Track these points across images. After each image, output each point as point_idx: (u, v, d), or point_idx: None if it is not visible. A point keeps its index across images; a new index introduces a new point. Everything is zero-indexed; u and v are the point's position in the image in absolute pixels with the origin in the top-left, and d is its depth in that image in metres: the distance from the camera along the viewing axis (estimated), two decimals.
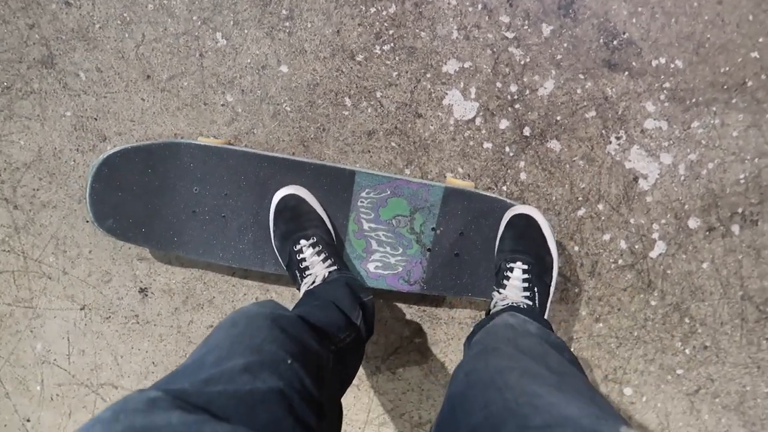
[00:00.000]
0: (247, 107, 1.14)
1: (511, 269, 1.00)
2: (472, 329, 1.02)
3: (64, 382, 1.24)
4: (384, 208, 1.11)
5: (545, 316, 1.02)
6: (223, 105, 1.14)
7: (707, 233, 1.19)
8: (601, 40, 1.13)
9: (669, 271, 1.22)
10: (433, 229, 1.12)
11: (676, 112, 1.15)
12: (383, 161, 1.17)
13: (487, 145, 1.16)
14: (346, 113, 1.15)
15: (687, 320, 1.24)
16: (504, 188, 1.18)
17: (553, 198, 1.19)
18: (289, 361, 0.60)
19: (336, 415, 0.74)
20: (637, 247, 1.21)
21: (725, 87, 1.13)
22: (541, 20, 1.12)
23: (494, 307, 1.02)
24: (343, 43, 1.12)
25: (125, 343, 1.23)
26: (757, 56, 1.11)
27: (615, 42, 1.13)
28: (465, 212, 1.11)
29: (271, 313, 0.69)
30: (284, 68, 1.13)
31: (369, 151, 1.16)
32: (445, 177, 1.17)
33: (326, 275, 0.99)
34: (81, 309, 1.22)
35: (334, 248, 1.07)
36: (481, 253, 1.12)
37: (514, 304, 0.98)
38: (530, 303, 0.99)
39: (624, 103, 1.15)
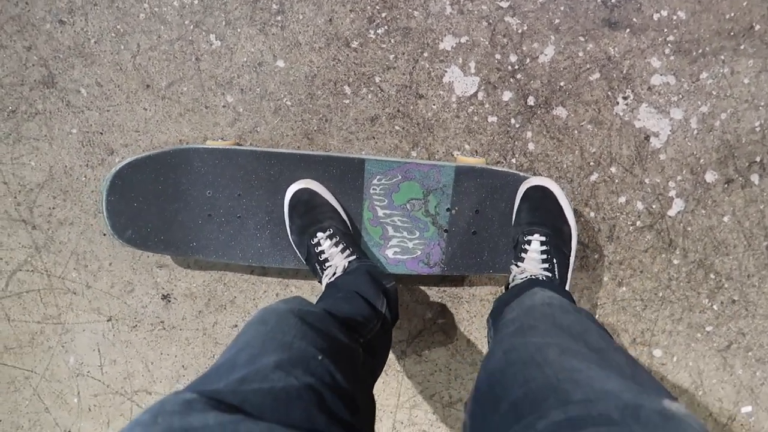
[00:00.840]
0: (248, 106, 1.14)
1: (529, 242, 1.00)
2: (493, 305, 1.02)
3: (100, 392, 1.27)
4: (397, 193, 1.10)
5: (567, 287, 1.01)
6: (224, 106, 1.14)
7: (726, 186, 1.17)
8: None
9: (689, 228, 1.20)
10: (448, 209, 1.11)
11: (683, 64, 1.12)
12: (389, 146, 1.16)
13: (492, 119, 1.15)
14: (347, 101, 1.14)
15: (712, 276, 1.22)
16: (513, 161, 1.17)
17: (564, 166, 1.17)
18: (319, 357, 0.61)
19: (369, 406, 0.75)
20: (654, 206, 1.19)
21: (732, 33, 1.10)
22: None
23: (513, 280, 1.01)
24: (337, 31, 1.11)
25: (154, 349, 1.25)
26: None
27: None
28: (478, 189, 1.10)
29: (299, 310, 0.69)
30: (281, 63, 1.12)
31: (374, 137, 1.16)
32: (454, 156, 1.16)
33: (346, 265, 1.00)
34: (108, 320, 1.24)
35: (351, 237, 1.07)
36: (498, 228, 1.12)
37: (533, 277, 0.98)
38: (549, 275, 0.98)
39: (628, 61, 1.12)
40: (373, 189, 1.10)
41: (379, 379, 1.25)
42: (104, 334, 1.25)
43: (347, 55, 1.12)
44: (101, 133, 1.15)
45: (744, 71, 1.11)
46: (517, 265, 1.01)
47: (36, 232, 1.19)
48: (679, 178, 1.17)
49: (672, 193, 1.18)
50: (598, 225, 1.20)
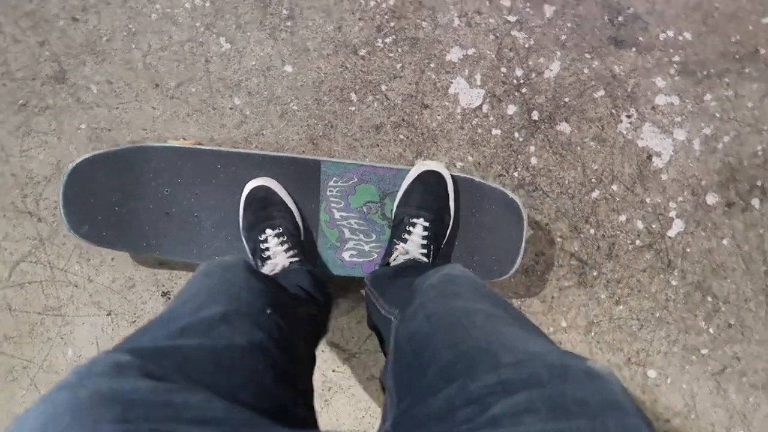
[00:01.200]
0: (255, 109, 1.15)
1: (414, 224, 1.02)
2: (372, 276, 1.02)
3: None
4: (353, 195, 1.11)
5: None
6: (231, 108, 1.15)
7: (726, 208, 1.17)
8: (606, 17, 1.11)
9: (688, 250, 1.20)
10: None
11: (688, 85, 1.13)
12: (393, 154, 1.17)
13: (495, 131, 1.16)
14: (353, 108, 1.15)
15: (710, 299, 1.21)
16: (515, 174, 1.17)
17: (566, 181, 1.17)
18: (268, 311, 0.60)
19: (310, 360, 0.75)
20: (654, 226, 1.19)
21: (737, 57, 1.11)
22: (543, 1, 1.10)
23: (395, 260, 1.02)
24: (345, 39, 1.13)
25: None
26: None
27: (620, 18, 1.11)
28: None
29: (246, 265, 0.68)
30: (289, 68, 1.14)
31: (378, 145, 1.17)
32: (416, 161, 1.17)
33: (287, 265, 1.00)
34: (108, 314, 1.25)
35: (298, 240, 1.07)
36: (454, 232, 1.12)
37: (414, 259, 1.00)
38: (426, 260, 1.00)
39: (633, 80, 1.13)
40: (330, 191, 1.11)
41: (373, 385, 1.25)
42: (103, 328, 1.26)
43: (355, 62, 1.14)
44: (109, 130, 1.16)
45: (748, 95, 1.12)
46: (400, 245, 1.02)
47: (41, 225, 1.21)
48: (680, 198, 1.17)
49: (672, 214, 1.18)
50: (598, 242, 1.20)
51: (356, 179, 1.10)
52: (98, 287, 1.23)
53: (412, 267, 0.98)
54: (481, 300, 0.63)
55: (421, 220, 1.01)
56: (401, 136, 1.17)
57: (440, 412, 0.47)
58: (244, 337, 0.53)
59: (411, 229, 1.01)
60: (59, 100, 1.15)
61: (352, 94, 1.15)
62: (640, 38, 1.11)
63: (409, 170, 1.08)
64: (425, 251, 1.01)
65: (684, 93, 1.13)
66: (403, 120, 1.16)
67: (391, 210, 1.11)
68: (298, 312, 0.74)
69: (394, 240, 1.04)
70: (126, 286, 1.24)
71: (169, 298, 1.24)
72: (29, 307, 1.24)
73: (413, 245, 1.00)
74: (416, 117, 1.16)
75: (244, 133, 1.17)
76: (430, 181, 1.04)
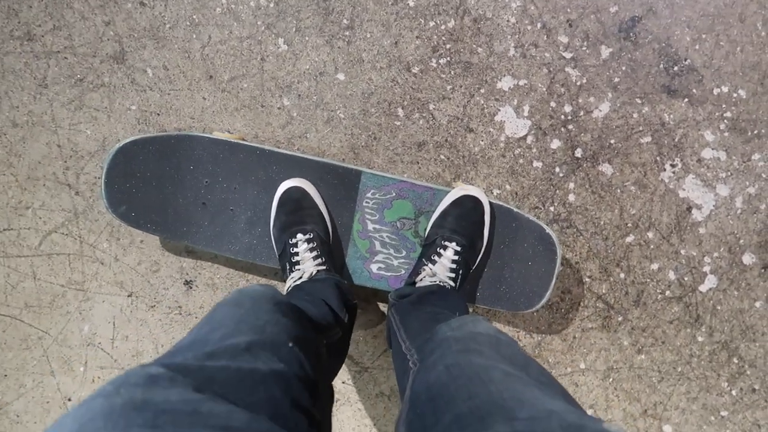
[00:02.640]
0: (302, 112, 1.17)
1: (445, 247, 1.01)
2: (396, 294, 1.03)
3: (106, 365, 1.28)
4: (389, 209, 1.11)
5: None
6: (279, 108, 1.17)
7: (762, 270, 1.15)
8: (662, 65, 1.11)
9: (719, 307, 1.17)
10: None
11: (737, 142, 1.12)
12: (431, 173, 1.17)
13: (537, 164, 1.16)
14: (398, 123, 1.16)
15: (735, 360, 1.19)
16: (551, 209, 1.17)
17: (602, 222, 1.17)
18: (290, 345, 0.62)
19: (328, 397, 0.76)
20: (686, 279, 1.17)
21: None
22: (601, 42, 1.11)
23: (421, 280, 1.02)
24: (400, 55, 1.14)
25: (167, 332, 1.26)
26: None
27: (676, 68, 1.11)
28: None
29: (272, 297, 0.70)
30: (341, 76, 1.15)
31: (418, 162, 1.17)
32: (456, 183, 1.17)
33: (314, 273, 1.00)
34: (128, 296, 1.26)
35: (328, 248, 1.08)
36: (484, 259, 1.11)
37: (441, 283, 0.99)
38: (453, 284, 1.00)
39: (682, 130, 1.13)
40: (366, 202, 1.11)
41: (381, 402, 1.24)
42: (122, 309, 1.26)
43: (406, 78, 1.15)
44: (158, 114, 1.18)
45: None
46: (429, 267, 1.02)
47: (78, 198, 1.22)
48: (715, 254, 1.16)
49: (706, 269, 1.16)
50: (627, 288, 1.19)
51: (394, 194, 1.10)
52: (123, 267, 1.24)
53: (437, 292, 0.97)
54: (502, 360, 0.63)
55: (454, 244, 1.01)
56: (442, 156, 1.17)
57: None
58: (266, 365, 0.56)
59: (442, 251, 1.01)
60: (115, 79, 1.17)
61: (399, 110, 1.16)
62: (694, 90, 1.11)
63: (448, 191, 1.08)
64: (453, 275, 1.00)
65: (732, 149, 1.12)
66: (446, 141, 1.16)
67: (425, 228, 1.11)
68: (318, 346, 0.75)
69: (423, 260, 1.04)
70: (150, 270, 1.24)
71: (191, 288, 1.24)
72: (54, 278, 1.26)
73: (442, 268, 1.00)
74: (459, 139, 1.16)
75: (288, 134, 1.18)
76: (468, 206, 1.04)
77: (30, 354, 1.29)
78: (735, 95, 1.11)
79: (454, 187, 1.14)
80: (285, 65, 1.16)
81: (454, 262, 1.00)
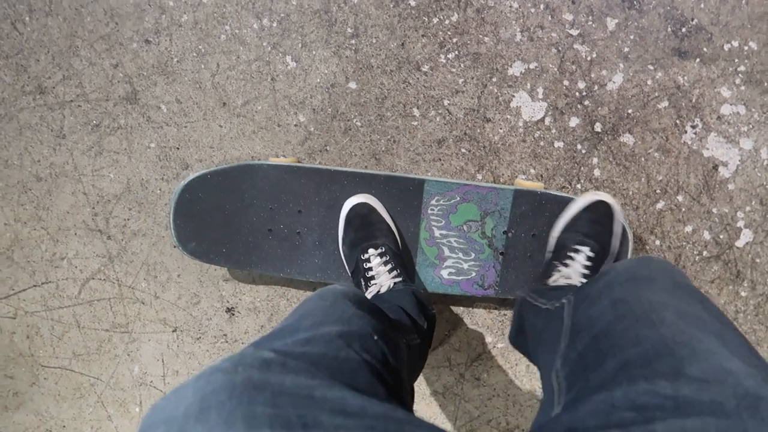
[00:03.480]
0: (319, 126, 1.17)
1: (577, 251, 0.99)
2: (529, 288, 1.00)
3: None
4: (454, 214, 1.12)
5: None
6: (296, 125, 1.18)
7: None
8: (669, 29, 1.11)
9: (758, 260, 1.18)
10: (504, 232, 1.12)
11: (754, 95, 1.12)
12: (454, 168, 1.18)
13: (558, 144, 1.16)
14: (415, 123, 1.17)
15: None
16: (578, 186, 1.17)
17: (630, 192, 1.17)
18: (375, 337, 0.62)
19: (410, 395, 0.76)
20: (721, 237, 1.17)
21: None
22: (605, 14, 1.11)
23: (555, 281, 0.99)
24: (408, 55, 1.14)
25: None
26: None
27: (683, 29, 1.11)
28: (536, 213, 1.11)
29: (355, 294, 0.71)
30: (353, 85, 1.16)
31: (440, 159, 1.18)
32: (514, 180, 1.17)
33: (391, 285, 1.01)
34: (173, 331, 1.27)
35: (401, 259, 1.08)
36: (540, 248, 1.12)
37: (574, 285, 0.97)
38: None
39: (697, 90, 1.13)
40: (431, 209, 1.12)
41: (434, 402, 1.24)
42: (168, 345, 1.27)
43: (417, 78, 1.15)
44: (178, 148, 1.19)
45: None
46: (562, 268, 0.99)
47: (110, 242, 1.23)
48: (747, 208, 1.16)
49: (740, 224, 1.17)
50: (663, 254, 1.19)
51: (458, 198, 1.11)
52: (164, 304, 1.25)
53: (570, 291, 0.94)
54: (676, 292, 0.58)
55: (587, 249, 0.98)
56: (463, 150, 1.17)
57: (602, 411, 0.45)
58: (358, 354, 0.56)
59: (573, 255, 0.99)
60: (130, 120, 1.18)
61: (415, 110, 1.16)
62: (704, 49, 1.11)
63: (511, 189, 1.08)
64: (586, 281, 0.96)
65: (750, 102, 1.12)
66: (465, 134, 1.17)
67: (492, 228, 1.11)
68: (399, 343, 0.75)
69: (555, 262, 1.01)
70: (191, 303, 1.25)
71: (233, 315, 1.25)
72: (97, 324, 1.27)
73: (575, 272, 0.97)
74: (478, 131, 1.17)
75: (308, 149, 1.19)
76: (600, 210, 1.03)
77: (85, 402, 1.30)
78: (746, 48, 1.11)
79: (516, 182, 1.14)
80: (296, 82, 1.16)
81: (587, 267, 0.97)
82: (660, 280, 0.60)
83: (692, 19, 1.10)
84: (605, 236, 1.02)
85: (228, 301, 1.25)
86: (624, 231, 1.07)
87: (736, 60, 1.11)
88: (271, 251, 1.14)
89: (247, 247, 1.13)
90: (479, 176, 1.18)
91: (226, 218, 1.12)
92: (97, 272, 1.24)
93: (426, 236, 1.13)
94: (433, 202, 1.11)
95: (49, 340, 1.27)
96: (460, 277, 1.15)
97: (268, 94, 1.17)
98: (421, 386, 1.27)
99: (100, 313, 1.26)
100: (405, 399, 0.62)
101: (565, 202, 1.09)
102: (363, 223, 1.07)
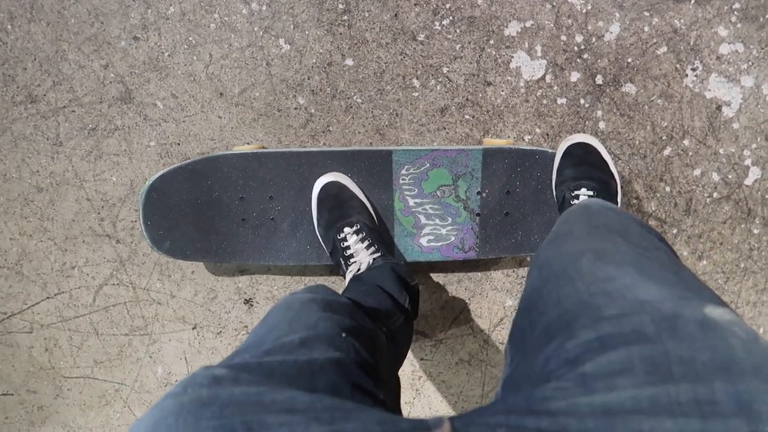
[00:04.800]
0: (319, 107, 1.16)
1: (577, 197, 0.97)
2: None
3: None
4: (426, 181, 1.11)
5: None
6: (296, 108, 1.16)
7: None
8: None
9: None
10: (478, 193, 1.12)
11: (751, 31, 1.12)
12: (460, 135, 1.17)
13: (561, 100, 1.15)
14: (416, 94, 1.16)
15: None
16: None
17: (636, 142, 1.17)
18: (343, 335, 0.62)
19: (393, 383, 0.76)
20: (730, 177, 1.18)
21: None
22: None
23: None
24: (403, 26, 1.13)
25: None
26: None
27: None
28: (508, 170, 1.10)
29: (322, 299, 0.71)
30: (349, 61, 1.14)
31: (444, 128, 1.17)
32: (480, 139, 1.17)
33: (371, 262, 1.00)
34: (193, 328, 1.26)
35: (377, 234, 1.07)
36: (531, 207, 1.12)
37: None
38: None
39: (695, 32, 1.12)
40: (402, 179, 1.11)
41: (462, 370, 1.25)
42: (190, 343, 1.26)
43: (414, 48, 1.14)
44: (178, 144, 1.17)
45: None
46: None
47: (120, 246, 1.21)
48: (753, 146, 1.16)
49: (748, 162, 1.17)
50: (674, 199, 1.19)
51: (428, 164, 1.10)
52: (181, 302, 1.24)
53: None
54: (593, 234, 0.59)
55: (584, 190, 0.97)
56: (467, 116, 1.16)
57: (537, 375, 0.46)
58: (322, 355, 0.56)
59: (575, 201, 0.96)
60: (127, 120, 1.16)
61: (414, 80, 1.15)
62: None
63: (480, 149, 1.08)
64: None
65: (748, 39, 1.12)
66: (467, 100, 1.16)
67: (465, 191, 1.11)
68: (375, 334, 0.74)
69: None
70: (209, 298, 1.24)
71: (252, 306, 1.24)
72: (116, 329, 1.25)
73: None
74: (480, 95, 1.16)
75: (310, 132, 1.17)
76: (578, 152, 1.02)
77: (111, 408, 1.29)
78: None
79: (484, 142, 1.14)
80: (292, 64, 1.14)
81: None
82: (576, 230, 0.62)
83: None
84: (595, 171, 1.01)
85: (245, 293, 1.25)
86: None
87: None
88: (248, 241, 1.13)
89: (222, 240, 1.12)
90: (485, 141, 1.17)
91: (198, 213, 1.11)
92: (110, 277, 1.23)
93: (401, 207, 1.13)
94: (404, 171, 1.10)
95: (68, 350, 1.26)
96: (439, 243, 1.14)
97: (265, 80, 1.15)
98: (446, 356, 1.28)
99: (117, 318, 1.25)
100: (379, 393, 0.62)
101: (535, 155, 1.09)
102: (335, 202, 1.06)
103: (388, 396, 0.69)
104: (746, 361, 0.35)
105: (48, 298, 1.24)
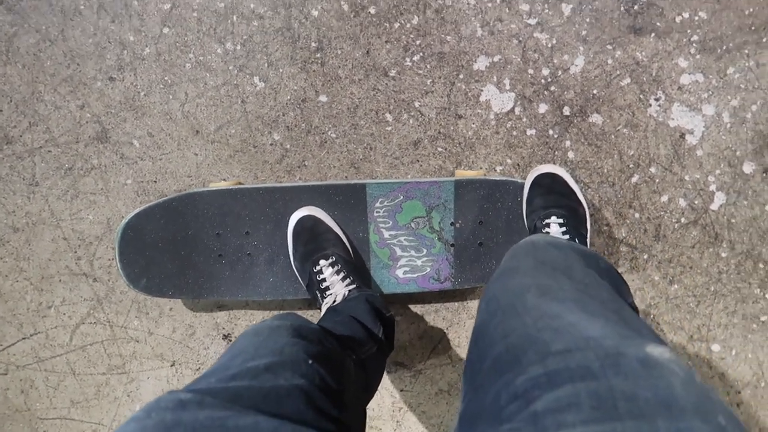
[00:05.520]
0: (294, 142, 1.18)
1: (548, 224, 0.99)
2: None
3: None
4: (400, 213, 1.13)
5: None
6: (271, 144, 1.18)
7: (764, 175, 1.20)
8: (622, 8, 1.15)
9: (733, 220, 1.22)
10: (452, 223, 1.14)
11: (709, 62, 1.16)
12: (433, 167, 1.19)
13: (530, 132, 1.19)
14: (389, 128, 1.18)
15: (761, 265, 1.23)
16: None
17: (605, 170, 1.20)
18: (309, 362, 0.63)
19: (360, 417, 0.76)
20: (696, 202, 1.21)
21: (753, 28, 1.15)
22: (560, 0, 1.14)
23: None
24: (375, 62, 1.16)
25: None
26: None
27: (636, 6, 1.15)
28: (480, 201, 1.13)
29: (291, 324, 0.71)
30: (323, 98, 1.17)
31: (418, 161, 1.19)
32: (453, 170, 1.19)
33: (346, 294, 1.01)
34: (171, 365, 1.25)
35: (353, 266, 1.08)
36: (504, 236, 1.14)
37: None
38: None
39: (656, 64, 1.16)
40: (377, 212, 1.13)
41: (442, 400, 1.25)
42: (168, 380, 1.26)
43: (386, 84, 1.17)
44: (155, 182, 1.18)
45: None
46: None
47: (97, 284, 1.21)
48: (717, 171, 1.20)
49: (713, 188, 1.21)
50: (644, 225, 1.22)
51: (402, 197, 1.12)
52: (159, 339, 1.24)
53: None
54: (538, 270, 0.61)
55: (553, 218, 0.99)
56: (440, 149, 1.19)
57: (489, 410, 0.46)
58: (287, 381, 0.58)
59: (546, 230, 0.99)
60: (104, 159, 1.17)
61: (387, 115, 1.18)
62: (658, 23, 1.15)
63: (451, 181, 1.10)
64: None
65: (707, 69, 1.17)
66: (439, 133, 1.19)
67: (439, 222, 1.13)
68: (344, 361, 0.75)
69: None
70: (187, 334, 1.24)
71: (230, 341, 1.24)
72: (93, 368, 1.24)
73: None
74: (452, 128, 1.18)
75: (286, 167, 1.19)
76: (546, 182, 1.05)
77: None
78: (696, 18, 1.15)
79: (456, 173, 1.16)
80: (266, 101, 1.17)
81: (564, 233, 0.98)
82: (523, 265, 0.63)
83: None
84: (563, 200, 1.03)
85: (224, 328, 1.25)
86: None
87: (689, 30, 1.15)
88: (224, 276, 1.13)
89: (199, 276, 1.13)
90: (458, 173, 1.19)
91: (174, 250, 1.12)
92: (87, 316, 1.22)
93: (376, 239, 1.14)
94: (378, 204, 1.12)
95: (44, 391, 1.25)
96: (415, 274, 1.16)
97: (240, 117, 1.17)
98: (426, 386, 1.28)
99: (94, 357, 1.24)
100: (345, 419, 0.63)
101: (506, 185, 1.12)
102: (310, 235, 1.07)
103: (354, 422, 0.69)
104: (685, 398, 0.36)
105: (24, 338, 1.23)
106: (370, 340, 0.92)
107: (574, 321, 0.48)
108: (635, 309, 0.72)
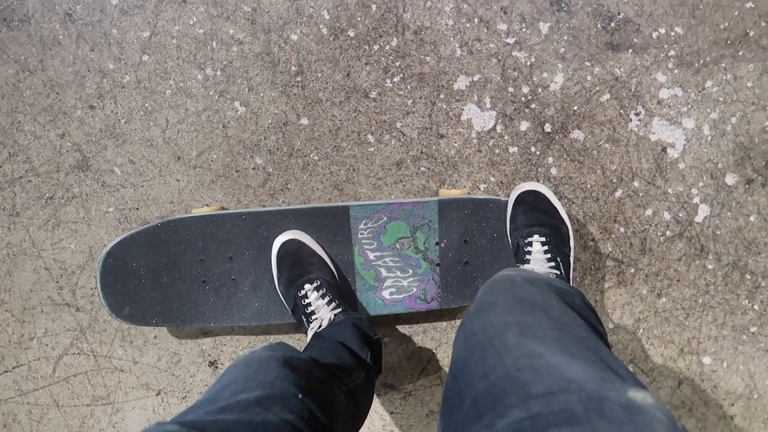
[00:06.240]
0: (276, 165, 1.18)
1: (530, 243, 1.00)
2: None
3: None
4: (384, 234, 1.13)
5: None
6: (254, 168, 1.17)
7: (747, 186, 1.20)
8: (599, 25, 1.16)
9: (718, 232, 1.22)
10: (437, 243, 1.13)
11: (687, 76, 1.17)
12: (416, 187, 1.19)
13: (512, 149, 1.19)
14: (372, 150, 1.18)
15: (748, 276, 1.23)
16: None
17: (588, 186, 1.20)
18: (299, 396, 0.63)
19: None
20: (681, 215, 1.21)
21: (729, 42, 1.16)
22: (537, 20, 1.15)
23: None
24: (355, 85, 1.16)
25: None
26: (753, 5, 1.14)
27: (612, 24, 1.16)
28: (464, 220, 1.12)
29: (282, 356, 0.71)
30: (305, 121, 1.17)
31: (401, 181, 1.19)
32: (439, 190, 1.19)
33: (332, 318, 1.00)
34: (157, 394, 1.23)
35: (338, 289, 1.08)
36: (489, 255, 1.14)
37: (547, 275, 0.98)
38: (557, 272, 0.98)
39: (635, 79, 1.17)
40: (361, 233, 1.13)
41: (433, 420, 1.24)
42: (154, 410, 1.24)
43: (367, 105, 1.17)
44: (137, 209, 1.18)
45: (746, 75, 1.16)
46: (526, 267, 0.99)
47: (80, 314, 1.20)
48: (700, 184, 1.20)
49: (696, 200, 1.21)
50: (629, 240, 1.22)
51: (386, 218, 1.12)
52: (144, 368, 1.22)
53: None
54: (518, 307, 0.61)
55: (536, 236, 0.99)
56: (422, 168, 1.19)
57: None
58: (277, 417, 0.57)
59: (529, 248, 0.99)
60: (85, 188, 1.16)
61: (369, 136, 1.18)
62: (635, 39, 1.16)
63: (435, 201, 1.10)
64: (553, 264, 0.98)
65: (685, 84, 1.17)
66: (421, 153, 1.19)
67: (424, 242, 1.12)
68: (334, 393, 0.75)
69: (518, 265, 1.02)
70: (172, 362, 1.22)
71: (217, 368, 1.23)
72: (77, 400, 1.22)
73: (538, 263, 0.98)
74: (434, 148, 1.18)
75: (269, 191, 1.19)
76: (528, 200, 1.05)
77: None
78: (673, 33, 1.16)
79: (439, 192, 1.16)
80: (248, 126, 1.16)
81: (546, 252, 0.98)
82: (502, 301, 0.63)
83: (619, 13, 1.15)
84: (546, 218, 1.03)
85: (210, 355, 1.23)
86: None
87: (666, 46, 1.16)
88: (209, 303, 1.12)
89: (183, 303, 1.12)
90: (441, 192, 1.19)
91: (157, 277, 1.11)
92: (70, 347, 1.21)
93: (361, 261, 1.13)
94: (362, 226, 1.12)
95: (27, 425, 1.22)
96: (402, 295, 1.15)
97: (222, 142, 1.17)
98: (417, 408, 1.27)
99: (78, 389, 1.22)
100: None
101: (489, 203, 1.12)
102: (294, 259, 1.06)
103: None
104: None
105: (6, 371, 1.21)
106: (358, 367, 0.91)
107: (554, 362, 0.47)
108: (608, 346, 0.72)
